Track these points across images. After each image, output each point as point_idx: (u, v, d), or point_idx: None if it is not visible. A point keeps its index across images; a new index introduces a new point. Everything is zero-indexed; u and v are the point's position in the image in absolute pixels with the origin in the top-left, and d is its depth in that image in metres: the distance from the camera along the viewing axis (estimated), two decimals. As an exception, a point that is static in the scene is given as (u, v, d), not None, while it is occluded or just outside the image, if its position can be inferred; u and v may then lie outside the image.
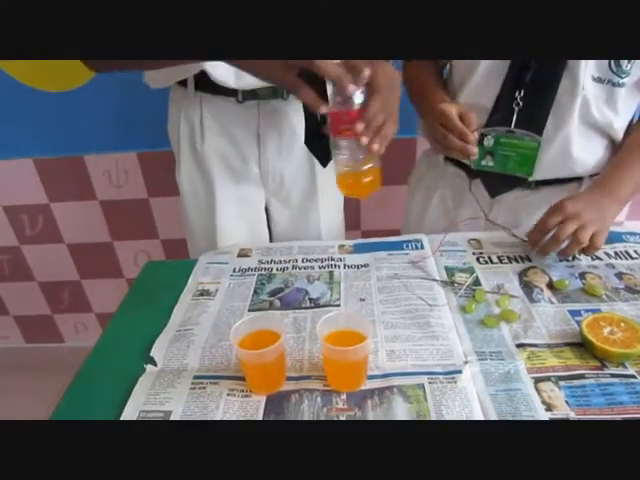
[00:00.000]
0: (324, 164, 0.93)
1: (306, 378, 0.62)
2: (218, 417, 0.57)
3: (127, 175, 1.49)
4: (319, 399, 0.58)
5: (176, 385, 0.62)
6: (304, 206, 1.05)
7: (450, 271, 0.80)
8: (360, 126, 0.64)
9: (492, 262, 0.82)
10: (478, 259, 0.83)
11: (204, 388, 0.61)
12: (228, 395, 0.60)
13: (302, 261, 0.86)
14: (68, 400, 0.63)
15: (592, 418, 0.53)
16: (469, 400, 0.57)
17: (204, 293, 0.79)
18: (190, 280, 0.83)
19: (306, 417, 0.56)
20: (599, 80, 0.78)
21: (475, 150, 0.77)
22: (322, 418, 0.56)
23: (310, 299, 0.75)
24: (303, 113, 0.89)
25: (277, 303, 0.75)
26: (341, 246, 0.90)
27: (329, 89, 0.64)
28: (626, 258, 0.81)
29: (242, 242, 0.98)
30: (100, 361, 0.70)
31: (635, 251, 0.82)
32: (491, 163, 0.86)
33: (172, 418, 0.58)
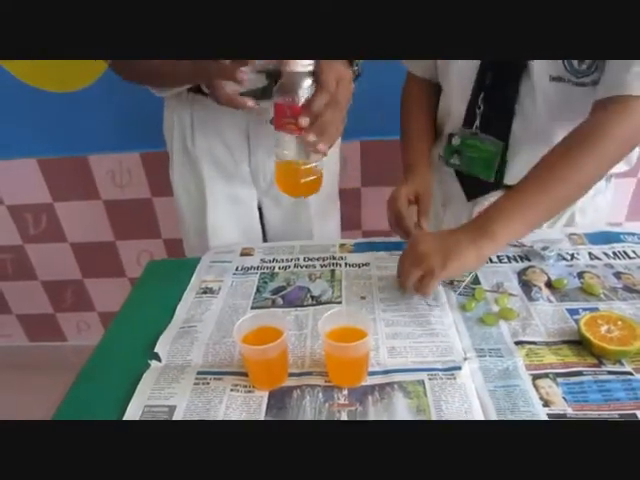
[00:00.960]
0: None
1: (308, 374, 0.63)
2: (221, 412, 0.58)
3: (130, 175, 1.51)
4: (321, 395, 0.59)
5: (180, 380, 0.63)
6: (295, 206, 1.06)
7: (450, 270, 0.81)
8: (303, 120, 0.63)
9: (491, 261, 0.83)
10: (478, 258, 0.84)
11: (208, 383, 0.62)
12: (231, 390, 0.61)
13: (304, 260, 0.87)
14: (73, 395, 0.64)
15: (590, 415, 0.54)
16: (468, 396, 0.58)
17: (207, 291, 0.80)
18: (193, 278, 0.84)
19: (308, 412, 0.57)
20: (558, 79, 0.76)
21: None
22: (324, 413, 0.57)
23: (312, 297, 0.76)
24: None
25: (279, 301, 0.77)
26: (342, 245, 0.91)
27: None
28: (624, 258, 0.82)
29: (234, 240, 1.00)
30: (104, 357, 0.71)
31: (633, 251, 0.83)
32: (458, 162, 0.90)
33: (176, 413, 0.59)
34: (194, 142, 0.96)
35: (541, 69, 0.76)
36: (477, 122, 0.84)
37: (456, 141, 0.88)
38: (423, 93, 0.96)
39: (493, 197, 0.86)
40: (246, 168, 0.99)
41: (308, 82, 0.63)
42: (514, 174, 0.84)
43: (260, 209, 1.07)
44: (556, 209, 0.74)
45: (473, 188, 0.93)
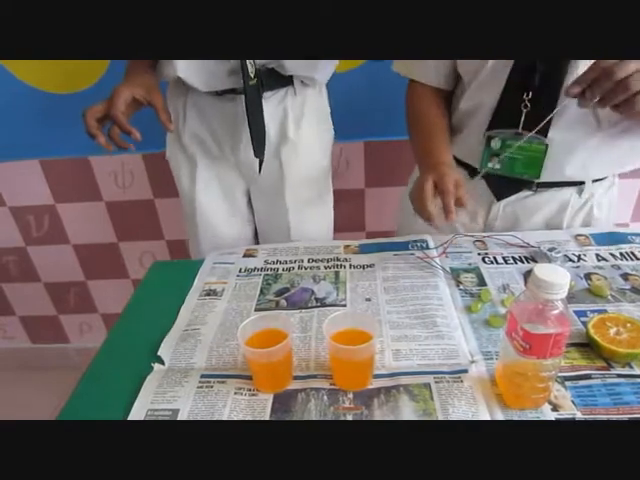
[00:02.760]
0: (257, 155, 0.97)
1: (313, 377, 0.62)
2: (225, 415, 0.58)
3: (133, 176, 1.50)
4: (326, 398, 0.59)
5: (183, 384, 0.62)
6: (273, 200, 1.06)
7: (455, 272, 0.80)
8: None
9: (497, 262, 0.82)
10: (484, 259, 0.83)
11: (211, 387, 0.61)
12: (235, 394, 0.60)
13: (308, 261, 0.86)
14: (77, 398, 0.64)
15: (598, 418, 0.54)
16: (475, 399, 0.57)
17: (211, 293, 0.80)
18: (197, 280, 0.83)
19: (313, 415, 0.57)
20: None
21: (452, 217, 0.72)
22: (329, 416, 0.56)
23: (316, 299, 0.76)
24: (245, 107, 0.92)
25: (283, 303, 0.76)
26: (347, 246, 0.90)
27: None
28: (631, 259, 0.81)
29: (222, 223, 1.06)
30: (108, 360, 0.70)
31: (641, 252, 0.82)
32: (498, 166, 0.85)
33: (179, 416, 0.58)
34: (185, 126, 0.99)
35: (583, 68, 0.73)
36: (522, 121, 0.81)
37: (496, 144, 0.84)
38: (437, 97, 0.92)
39: (523, 194, 0.89)
40: (231, 157, 1.01)
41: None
42: (544, 172, 0.84)
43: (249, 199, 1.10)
44: None
45: (504, 189, 0.90)
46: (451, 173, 0.75)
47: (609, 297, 0.72)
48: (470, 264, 0.82)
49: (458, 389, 0.58)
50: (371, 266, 0.83)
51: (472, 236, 0.90)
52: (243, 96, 0.90)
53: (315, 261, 0.86)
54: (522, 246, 0.85)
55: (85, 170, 1.50)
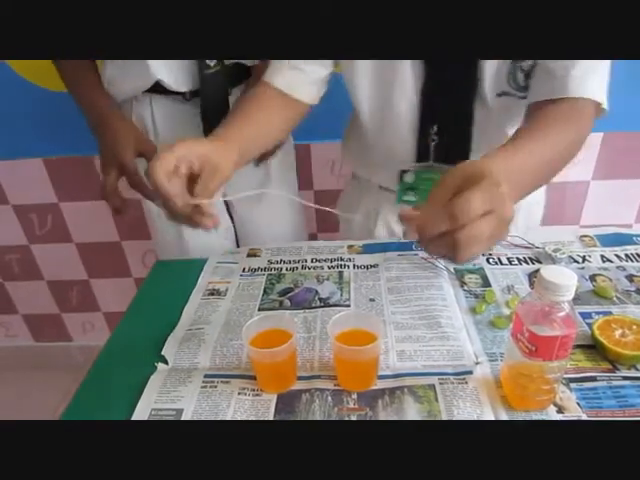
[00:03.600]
0: None
1: (317, 377, 0.62)
2: (229, 415, 0.57)
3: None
4: (330, 398, 0.58)
5: (187, 384, 0.62)
6: (253, 202, 1.06)
7: (460, 273, 0.80)
8: None
9: (502, 263, 0.82)
10: (488, 260, 0.83)
11: (215, 387, 0.61)
12: (239, 394, 0.60)
13: (311, 261, 0.86)
14: (80, 398, 0.63)
15: (603, 419, 0.53)
16: (480, 401, 0.57)
17: (214, 292, 0.80)
18: (200, 279, 0.83)
19: (317, 416, 0.56)
20: (503, 94, 0.75)
21: (207, 222, 0.60)
22: (333, 417, 0.56)
23: (320, 299, 0.76)
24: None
25: (287, 303, 0.76)
26: (350, 246, 0.90)
27: None
28: (637, 260, 0.80)
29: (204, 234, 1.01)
30: (111, 360, 0.70)
31: (646, 253, 0.82)
32: (413, 198, 0.84)
33: (183, 416, 0.58)
34: (157, 140, 0.96)
35: (487, 88, 0.75)
36: (432, 153, 0.81)
37: (410, 177, 0.83)
38: (285, 110, 0.81)
39: None
40: None
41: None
42: None
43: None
44: (547, 174, 0.65)
45: None
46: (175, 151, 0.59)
47: (614, 299, 0.72)
48: (474, 265, 0.82)
49: (463, 390, 0.58)
50: (375, 266, 0.83)
51: None
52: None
53: (319, 261, 0.86)
54: (527, 247, 0.85)
55: (88, 169, 1.50)
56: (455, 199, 0.45)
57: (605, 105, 0.68)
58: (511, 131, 0.73)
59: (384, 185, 0.93)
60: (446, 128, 0.79)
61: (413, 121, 0.81)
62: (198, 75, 0.88)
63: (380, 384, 0.60)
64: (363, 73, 0.79)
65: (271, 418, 0.57)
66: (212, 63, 0.88)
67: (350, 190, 1.05)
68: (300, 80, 0.79)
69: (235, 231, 1.11)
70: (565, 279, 0.48)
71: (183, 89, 0.91)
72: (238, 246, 1.11)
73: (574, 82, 0.66)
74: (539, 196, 1.00)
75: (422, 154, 0.82)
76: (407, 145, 0.83)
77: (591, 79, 0.67)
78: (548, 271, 0.49)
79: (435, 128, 0.79)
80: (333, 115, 1.33)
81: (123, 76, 0.91)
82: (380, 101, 0.81)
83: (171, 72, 0.89)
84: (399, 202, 0.85)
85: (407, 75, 0.76)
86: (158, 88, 0.91)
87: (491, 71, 0.73)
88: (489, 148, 0.74)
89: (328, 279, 0.81)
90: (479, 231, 0.45)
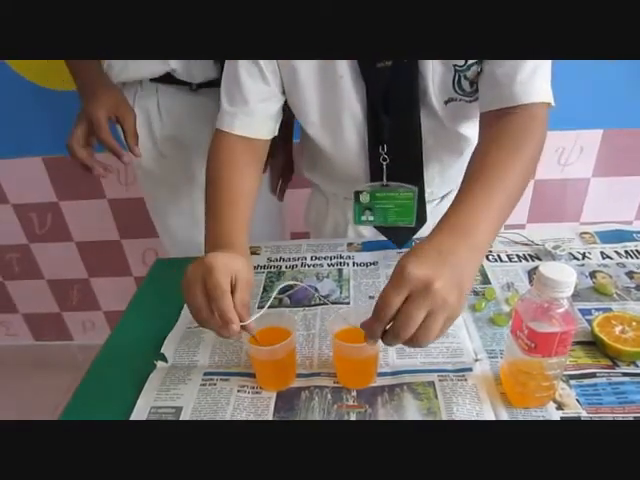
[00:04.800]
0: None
1: (316, 375, 0.62)
2: (228, 413, 0.57)
3: (135, 173, 1.50)
4: (329, 396, 0.58)
5: (187, 381, 0.62)
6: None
7: (459, 269, 0.80)
8: None
9: (502, 260, 0.82)
10: (488, 257, 0.83)
11: (214, 384, 0.61)
12: (238, 391, 0.60)
13: (311, 259, 0.86)
14: (80, 396, 0.64)
15: (604, 418, 0.53)
16: (480, 398, 0.57)
17: (214, 290, 0.79)
18: (199, 277, 0.83)
19: (317, 413, 0.56)
20: (451, 100, 0.75)
21: (234, 331, 0.56)
22: (332, 414, 0.56)
23: (319, 297, 0.76)
24: None
25: (287, 300, 0.76)
26: (350, 244, 0.90)
27: None
28: (637, 257, 0.80)
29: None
30: (111, 358, 0.70)
31: (646, 250, 0.82)
32: (371, 217, 0.84)
33: (183, 414, 0.58)
34: (162, 127, 0.96)
35: (434, 98, 0.74)
36: (384, 173, 0.80)
37: (365, 198, 0.82)
38: (253, 155, 0.79)
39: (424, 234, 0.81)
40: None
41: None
42: (442, 186, 0.88)
43: None
44: (510, 207, 0.62)
45: (399, 235, 0.87)
46: (220, 267, 0.58)
47: (614, 295, 0.72)
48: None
49: (462, 388, 0.58)
50: (374, 264, 0.83)
51: None
52: (216, 90, 0.87)
53: (318, 259, 0.86)
54: (526, 244, 0.85)
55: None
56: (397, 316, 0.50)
57: (553, 102, 0.67)
58: (465, 131, 0.77)
59: (348, 196, 0.91)
60: (395, 147, 0.78)
61: (362, 142, 0.80)
62: (214, 66, 0.88)
63: (379, 381, 0.60)
64: (309, 99, 0.77)
65: (270, 416, 0.57)
66: None
67: (316, 202, 1.05)
68: (259, 120, 0.77)
69: None
70: (564, 276, 0.48)
71: (196, 80, 0.91)
72: None
73: (522, 88, 0.65)
74: None
75: (376, 173, 0.82)
76: (360, 164, 0.83)
77: (538, 80, 0.65)
78: (547, 268, 0.49)
79: (385, 148, 0.78)
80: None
81: (126, 61, 0.90)
82: (328, 125, 0.80)
83: (186, 62, 0.88)
84: (358, 223, 0.85)
85: (352, 99, 0.75)
86: (165, 77, 0.91)
87: (436, 80, 0.72)
88: (446, 154, 0.79)
89: (328, 277, 0.81)
90: (425, 336, 0.50)
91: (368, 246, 0.89)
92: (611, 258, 0.81)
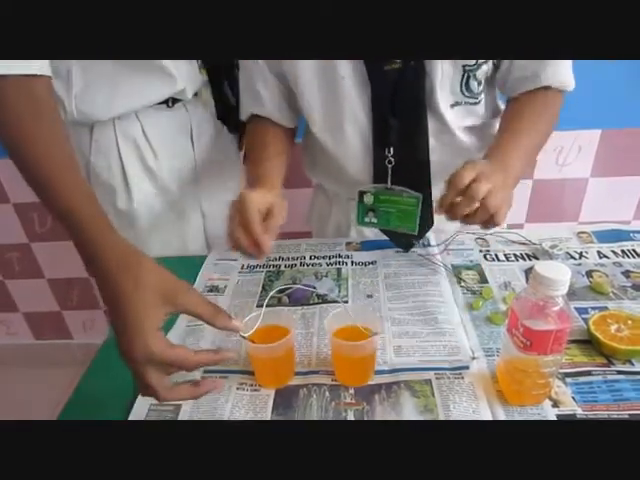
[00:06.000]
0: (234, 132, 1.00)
1: (314, 373, 0.62)
2: (227, 411, 0.58)
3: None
4: (327, 393, 0.59)
5: (186, 379, 0.62)
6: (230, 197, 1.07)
7: (457, 269, 0.80)
8: None
9: (499, 259, 0.82)
10: (485, 256, 0.83)
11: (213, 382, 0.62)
12: (237, 389, 0.61)
13: (310, 258, 0.87)
14: (79, 393, 0.64)
15: (599, 415, 0.54)
16: (476, 396, 0.57)
17: (213, 289, 0.80)
18: (199, 276, 0.84)
19: (315, 411, 0.57)
20: (456, 104, 0.78)
21: (266, 250, 0.67)
22: (330, 412, 0.57)
23: (318, 295, 0.76)
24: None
25: (285, 299, 0.76)
26: (349, 243, 0.90)
27: None
28: (633, 256, 0.81)
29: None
30: (110, 355, 0.70)
31: (642, 249, 0.82)
32: (374, 220, 0.83)
33: (182, 412, 0.59)
34: (156, 158, 0.92)
35: (441, 102, 0.76)
36: (389, 175, 0.80)
37: (369, 199, 0.81)
38: (278, 136, 0.87)
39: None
40: (193, 168, 0.98)
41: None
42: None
43: None
44: (533, 157, 0.81)
45: (404, 240, 0.87)
46: (253, 197, 0.68)
47: (610, 294, 0.72)
48: (472, 261, 0.82)
49: (459, 385, 0.59)
50: (373, 263, 0.84)
51: (473, 233, 0.90)
52: (188, 102, 0.91)
53: (317, 258, 0.86)
54: (524, 243, 0.85)
55: (88, 167, 1.50)
56: (470, 187, 0.63)
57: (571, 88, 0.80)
58: (469, 135, 0.81)
59: (351, 197, 0.89)
60: (402, 150, 0.79)
61: (366, 144, 0.81)
62: (209, 75, 0.89)
63: (377, 379, 0.61)
64: (310, 98, 0.79)
65: (269, 413, 0.58)
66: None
67: (318, 201, 1.05)
68: (277, 117, 0.86)
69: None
70: (559, 274, 0.48)
71: (189, 96, 0.90)
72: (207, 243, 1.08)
73: (550, 71, 0.76)
74: None
75: (380, 174, 0.82)
76: (364, 166, 0.83)
77: (563, 66, 0.78)
78: (542, 266, 0.49)
79: (391, 150, 0.79)
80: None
81: (117, 92, 0.84)
82: (330, 126, 0.82)
83: (187, 78, 0.87)
84: (360, 224, 0.83)
85: (355, 100, 0.77)
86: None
87: (444, 82, 0.74)
88: (450, 158, 0.78)
89: (326, 276, 0.81)
90: (486, 208, 0.63)
91: (367, 245, 0.89)
92: (608, 257, 0.81)
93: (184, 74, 0.86)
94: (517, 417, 0.55)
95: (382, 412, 0.56)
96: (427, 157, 0.80)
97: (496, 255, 0.83)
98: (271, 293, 0.71)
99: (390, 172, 0.80)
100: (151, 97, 0.86)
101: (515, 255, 0.83)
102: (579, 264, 0.80)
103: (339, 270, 0.82)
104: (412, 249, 0.86)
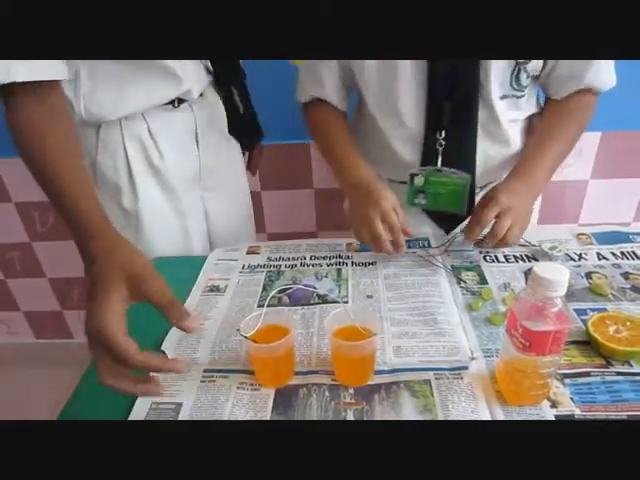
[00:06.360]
0: (246, 148, 1.01)
1: (314, 373, 0.63)
2: (227, 410, 0.58)
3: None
4: (327, 393, 0.59)
5: (186, 378, 0.63)
6: (238, 198, 1.10)
7: (457, 270, 0.81)
8: None
9: (498, 261, 0.82)
10: (485, 257, 0.83)
11: (214, 381, 0.62)
12: (238, 388, 0.61)
13: (310, 258, 0.87)
14: (81, 392, 0.64)
15: (598, 416, 0.54)
16: (475, 396, 0.57)
17: (214, 289, 0.80)
18: (200, 276, 0.84)
19: (314, 411, 0.57)
20: (504, 97, 0.83)
21: (403, 249, 0.79)
22: (330, 412, 0.57)
23: (318, 296, 0.76)
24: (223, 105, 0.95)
25: (286, 300, 0.77)
26: (349, 244, 0.91)
27: None
28: (632, 258, 0.81)
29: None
30: (112, 354, 0.71)
31: (642, 251, 0.83)
32: (424, 201, 0.88)
33: (182, 410, 0.59)
34: (162, 157, 0.92)
35: (493, 93, 0.82)
36: (440, 158, 0.85)
37: (419, 180, 0.87)
38: (341, 120, 0.94)
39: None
40: (197, 169, 0.98)
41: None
42: (482, 178, 0.92)
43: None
44: (559, 160, 0.87)
45: (447, 222, 0.94)
46: (387, 201, 0.78)
47: (609, 296, 0.72)
48: (471, 262, 0.83)
49: (458, 385, 0.59)
50: (373, 264, 0.84)
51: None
52: (195, 102, 0.91)
53: (317, 258, 0.87)
54: (523, 245, 0.86)
55: (89, 167, 1.51)
56: (494, 226, 0.78)
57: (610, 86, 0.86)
58: (512, 125, 0.86)
59: (394, 178, 0.96)
60: (453, 133, 0.83)
61: (419, 127, 0.85)
62: (216, 76, 0.90)
63: (377, 379, 0.61)
64: (368, 79, 0.84)
65: (269, 412, 0.58)
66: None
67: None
68: (334, 100, 0.93)
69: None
70: (557, 275, 0.49)
71: (195, 96, 0.90)
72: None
73: (591, 75, 0.82)
74: None
75: (428, 157, 0.87)
76: (413, 148, 0.88)
77: (605, 68, 0.83)
78: (541, 268, 0.50)
79: (442, 133, 0.83)
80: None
81: (125, 93, 0.84)
82: (387, 107, 0.86)
83: (193, 79, 0.88)
84: (411, 204, 0.89)
85: (411, 83, 0.81)
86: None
87: (497, 74, 0.79)
88: (492, 146, 0.89)
89: (327, 276, 0.82)
90: (511, 236, 0.79)
91: (366, 246, 0.89)
92: (607, 259, 0.81)
93: (190, 75, 0.87)
94: (516, 417, 0.55)
95: (381, 412, 0.57)
96: (474, 142, 0.85)
97: (496, 256, 0.84)
98: (272, 293, 0.72)
99: (441, 155, 0.85)
100: (157, 98, 0.87)
101: (515, 256, 0.83)
102: (578, 266, 0.80)
103: (339, 270, 0.83)
104: (411, 249, 0.86)
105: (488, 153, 0.89)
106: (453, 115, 0.82)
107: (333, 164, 0.90)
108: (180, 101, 0.90)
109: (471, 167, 0.87)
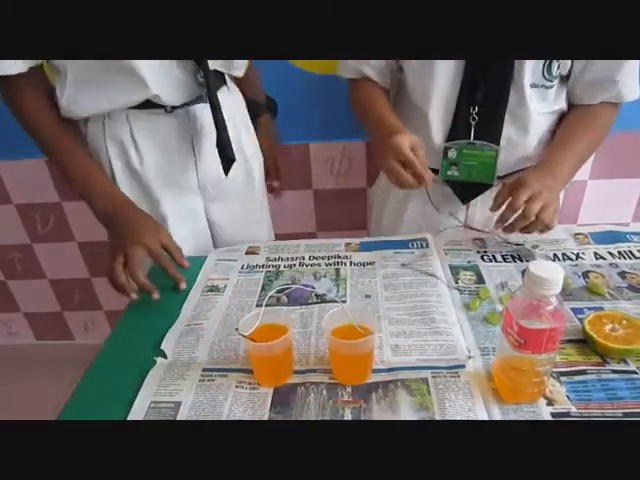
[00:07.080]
0: (225, 171, 0.94)
1: (312, 371, 0.63)
2: (226, 408, 0.59)
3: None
4: (325, 392, 0.60)
5: (185, 377, 0.63)
6: (248, 207, 1.08)
7: (454, 269, 0.81)
8: None
9: (496, 260, 0.83)
10: (482, 257, 0.84)
11: (213, 380, 0.63)
12: (236, 387, 0.61)
13: (309, 258, 0.87)
14: (80, 391, 0.65)
15: (593, 414, 0.54)
16: (472, 394, 0.58)
17: (213, 289, 0.81)
18: (199, 276, 0.85)
19: (312, 409, 0.58)
20: (534, 85, 0.87)
21: (429, 178, 0.80)
22: (328, 410, 0.57)
23: (316, 295, 0.77)
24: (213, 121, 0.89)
25: (284, 299, 0.77)
26: (347, 244, 0.91)
27: None
28: (629, 258, 0.81)
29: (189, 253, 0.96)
30: (112, 354, 0.71)
31: (639, 250, 0.83)
32: (456, 173, 0.93)
33: (181, 409, 0.59)
34: (142, 160, 0.91)
35: (525, 79, 0.85)
36: (472, 132, 0.90)
37: (452, 154, 0.92)
38: (382, 94, 0.98)
39: (486, 195, 0.95)
40: (193, 177, 0.97)
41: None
42: (503, 168, 0.95)
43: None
44: (583, 162, 0.92)
45: (467, 192, 0.97)
46: (403, 140, 0.80)
47: (606, 295, 0.73)
48: (469, 262, 0.83)
49: (455, 384, 0.59)
50: (371, 264, 0.84)
51: (471, 229, 0.93)
52: (191, 108, 0.89)
53: (316, 258, 0.87)
54: (519, 244, 0.86)
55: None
56: (526, 208, 0.78)
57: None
58: (537, 115, 0.90)
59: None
60: (485, 111, 0.88)
61: (452, 101, 0.90)
62: (202, 83, 0.85)
63: (374, 378, 0.61)
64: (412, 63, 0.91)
65: (267, 411, 0.58)
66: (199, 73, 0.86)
67: (382, 183, 1.11)
68: (377, 76, 0.97)
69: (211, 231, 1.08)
70: (552, 273, 0.49)
71: (178, 102, 0.88)
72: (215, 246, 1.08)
73: (618, 87, 0.86)
74: None
75: (457, 132, 0.91)
76: (446, 120, 0.92)
77: (631, 81, 0.86)
78: (536, 266, 0.50)
79: (476, 108, 0.88)
80: (331, 116, 1.35)
81: (97, 92, 0.84)
82: (425, 82, 0.90)
83: (164, 85, 0.84)
84: (444, 176, 0.94)
85: (450, 61, 0.87)
86: (140, 103, 0.86)
87: (529, 62, 0.84)
88: (515, 131, 0.92)
89: (325, 276, 0.82)
90: (543, 219, 0.78)
91: (365, 246, 0.90)
92: (604, 258, 0.82)
93: (158, 80, 0.83)
94: (512, 415, 0.55)
95: (379, 410, 0.57)
96: (502, 122, 0.89)
97: (493, 256, 0.84)
98: (270, 293, 0.73)
99: (473, 129, 0.89)
100: (121, 100, 0.85)
101: (512, 256, 0.84)
102: (576, 265, 0.81)
103: (338, 270, 0.83)
104: (412, 250, 0.87)
105: (510, 136, 0.91)
106: (487, 92, 0.86)
107: (375, 130, 0.92)
108: (174, 106, 0.88)
109: (497, 142, 0.91)
